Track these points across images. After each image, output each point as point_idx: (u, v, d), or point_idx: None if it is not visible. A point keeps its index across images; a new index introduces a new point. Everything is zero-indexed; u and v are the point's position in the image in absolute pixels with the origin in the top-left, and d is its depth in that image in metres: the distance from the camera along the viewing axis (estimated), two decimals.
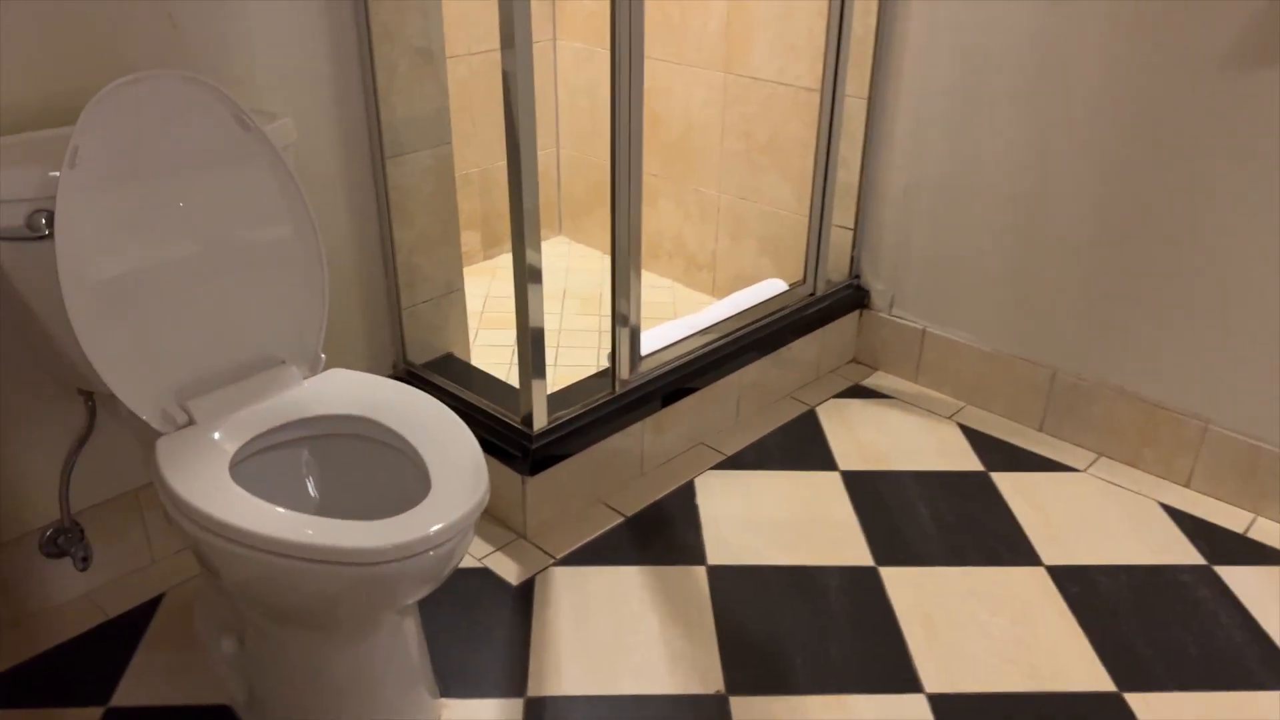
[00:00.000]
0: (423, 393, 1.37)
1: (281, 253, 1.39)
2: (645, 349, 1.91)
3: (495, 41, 2.63)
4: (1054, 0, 1.83)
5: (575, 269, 2.89)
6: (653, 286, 2.78)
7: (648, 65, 2.61)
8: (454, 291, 2.00)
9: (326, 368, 1.45)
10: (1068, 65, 1.86)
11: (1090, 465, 2.01)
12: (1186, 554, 1.76)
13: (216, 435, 1.26)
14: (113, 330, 1.23)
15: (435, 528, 1.11)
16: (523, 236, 1.58)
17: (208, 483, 1.17)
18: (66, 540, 1.51)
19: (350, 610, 1.18)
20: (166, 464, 1.20)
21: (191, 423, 1.28)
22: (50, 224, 1.18)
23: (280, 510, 1.13)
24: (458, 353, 2.05)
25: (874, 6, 2.08)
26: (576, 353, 2.42)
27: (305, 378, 1.40)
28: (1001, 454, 2.04)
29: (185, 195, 1.28)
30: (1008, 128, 1.97)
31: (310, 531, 1.10)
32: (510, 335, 2.48)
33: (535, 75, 2.83)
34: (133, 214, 1.23)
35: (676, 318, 2.57)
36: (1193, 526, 1.83)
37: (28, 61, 1.32)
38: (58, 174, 1.19)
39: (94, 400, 1.46)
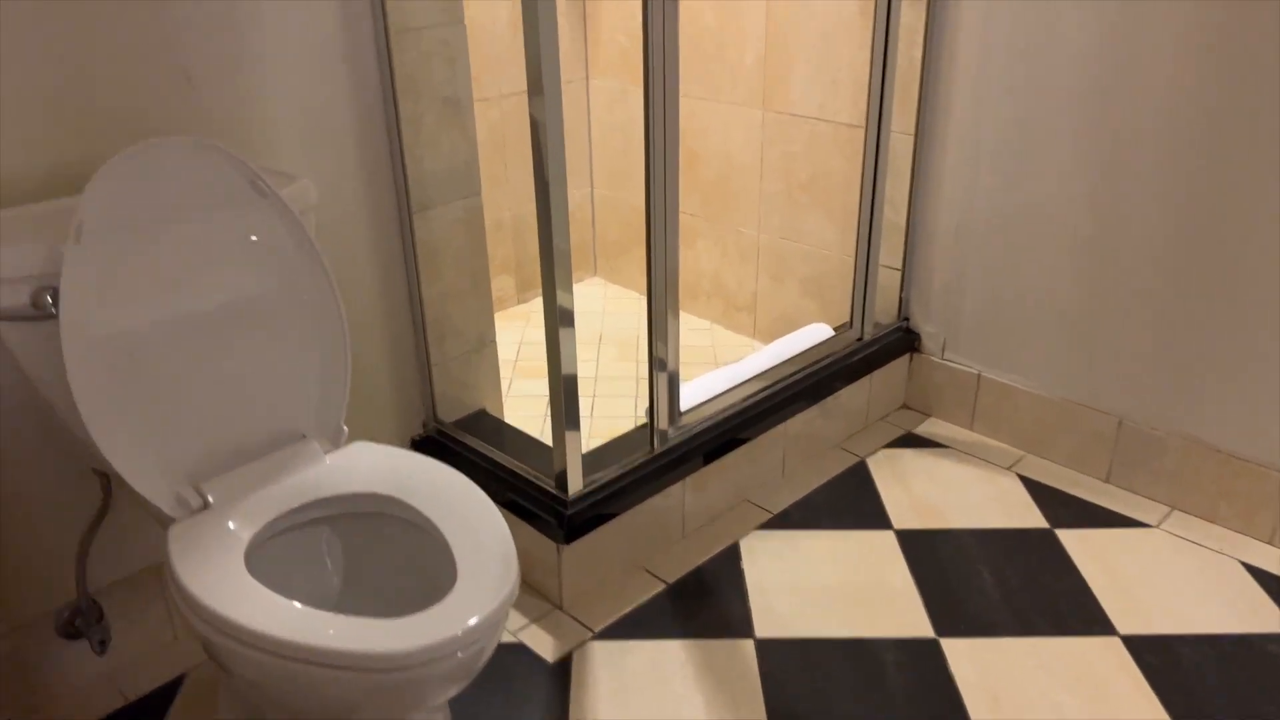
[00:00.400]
0: (450, 469, 1.29)
1: (300, 322, 1.32)
2: (685, 402, 1.82)
3: (525, 83, 2.57)
4: (1119, 27, 1.73)
5: (611, 311, 2.81)
6: (692, 329, 2.69)
7: (683, 102, 2.53)
8: (486, 345, 1.93)
9: (351, 436, 1.38)
10: (1134, 98, 1.75)
11: (1163, 520, 1.88)
12: (1276, 621, 1.62)
13: (232, 523, 1.19)
14: (122, 413, 1.16)
15: (464, 627, 1.03)
16: (554, 283, 1.51)
17: (221, 576, 1.10)
18: (84, 622, 1.44)
19: (374, 713, 1.09)
20: (178, 555, 1.13)
21: (207, 506, 1.21)
22: (55, 302, 1.12)
23: (298, 607, 1.05)
24: (490, 408, 1.98)
25: (919, 39, 1.98)
26: (614, 402, 2.33)
27: (327, 452, 1.33)
28: (1067, 508, 1.92)
29: (198, 266, 1.21)
30: (1067, 164, 1.87)
31: (331, 633, 1.02)
32: (546, 384, 2.40)
33: (567, 114, 2.77)
34: (142, 288, 1.17)
35: (717, 361, 2.48)
36: (1279, 588, 1.69)
37: (35, 128, 1.27)
38: (62, 250, 1.12)
39: (109, 478, 1.39)
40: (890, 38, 1.94)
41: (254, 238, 1.26)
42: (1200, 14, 1.62)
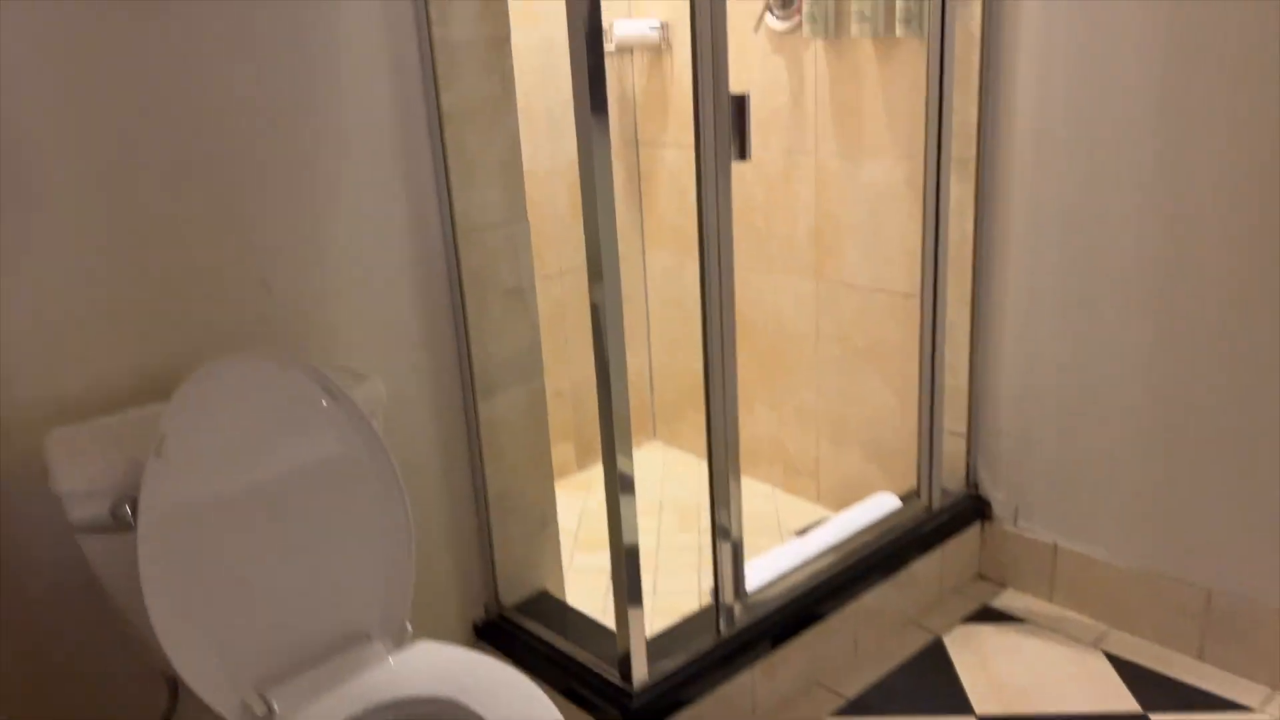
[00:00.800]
0: (513, 670, 1.27)
1: (367, 522, 1.33)
2: (752, 581, 1.78)
3: (585, 258, 2.66)
4: (1176, 178, 1.74)
5: (671, 476, 2.80)
6: (754, 494, 2.66)
7: (737, 273, 2.59)
8: (547, 524, 1.92)
9: (414, 618, 1.37)
10: (1199, 255, 1.74)
11: (1266, 702, 1.76)
12: None
13: None
14: (192, 622, 1.17)
15: None
16: (614, 451, 1.51)
17: None
18: None
19: None
20: None
21: (271, 714, 1.20)
22: (135, 513, 1.15)
23: None
24: (552, 587, 1.95)
25: (970, 211, 2.02)
26: (677, 576, 2.29)
27: (390, 653, 1.32)
28: (1159, 690, 1.81)
29: (270, 472, 1.24)
30: (1134, 325, 1.85)
31: None
32: (607, 557, 2.37)
33: (624, 285, 2.85)
34: (217, 497, 1.20)
35: (780, 528, 2.44)
36: None
37: (125, 337, 1.34)
38: (144, 462, 1.16)
39: (176, 682, 1.40)
40: (941, 211, 1.98)
41: (325, 442, 1.29)
42: (1255, 198, 1.63)
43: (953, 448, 2.18)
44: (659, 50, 2.61)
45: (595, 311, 1.49)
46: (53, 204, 1.25)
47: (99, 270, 1.30)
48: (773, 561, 1.88)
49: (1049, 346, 1.98)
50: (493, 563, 1.84)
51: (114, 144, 1.28)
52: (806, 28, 2.16)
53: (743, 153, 1.55)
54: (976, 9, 1.88)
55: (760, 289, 2.56)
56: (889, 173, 2.19)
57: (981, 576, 2.22)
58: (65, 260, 1.27)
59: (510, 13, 1.68)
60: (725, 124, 1.54)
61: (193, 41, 1.32)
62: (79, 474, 1.16)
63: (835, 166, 2.30)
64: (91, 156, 1.27)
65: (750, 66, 2.39)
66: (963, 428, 2.17)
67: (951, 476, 2.20)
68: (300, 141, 1.46)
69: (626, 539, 1.55)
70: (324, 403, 1.29)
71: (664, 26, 2.56)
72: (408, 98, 1.57)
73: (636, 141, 2.78)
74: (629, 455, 1.53)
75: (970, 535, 2.17)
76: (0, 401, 1.25)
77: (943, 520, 2.10)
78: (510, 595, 1.88)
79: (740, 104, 1.53)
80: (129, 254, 1.32)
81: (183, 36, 1.32)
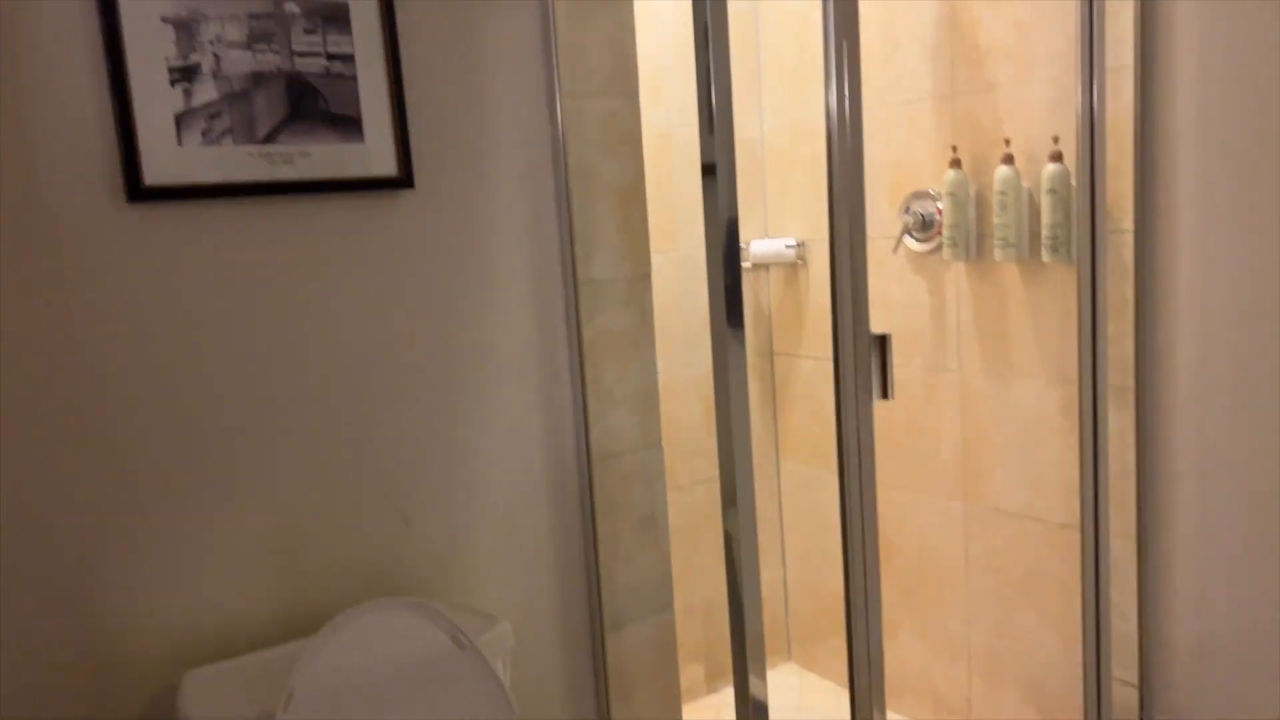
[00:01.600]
0: None
1: None
2: None
3: (717, 470, 2.63)
4: None
5: (808, 704, 2.63)
6: None
7: (879, 491, 2.49)
8: None
9: None
10: None
11: None
12: None
13: None
14: None
15: None
16: (746, 673, 1.42)
17: None
18: None
19: None
20: None
21: None
22: None
23: None
24: None
25: (1131, 442, 1.89)
26: None
27: None
28: None
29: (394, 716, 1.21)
30: None
31: None
32: None
33: (758, 497, 2.78)
34: None
35: None
36: None
37: (263, 575, 1.36)
38: (274, 713, 1.15)
39: None
40: (1099, 441, 1.87)
41: (452, 693, 1.25)
42: None
43: (1123, 698, 1.97)
44: (795, 265, 2.64)
45: (729, 539, 1.44)
46: (204, 449, 1.31)
47: (245, 507, 1.34)
48: None
49: (1225, 592, 1.80)
50: None
51: (266, 381, 1.35)
52: (947, 251, 2.14)
53: (885, 392, 1.51)
54: (1129, 238, 1.83)
55: (903, 507, 2.45)
56: (1040, 396, 2.10)
57: None
58: (210, 501, 1.32)
59: (650, 230, 1.72)
60: (866, 363, 1.51)
61: (355, 288, 1.40)
62: None
63: (981, 386, 2.22)
64: (245, 399, 1.33)
65: (890, 282, 2.38)
66: (1134, 677, 1.96)
67: None
68: (448, 373, 1.50)
69: None
70: (452, 651, 1.26)
71: (800, 245, 2.59)
72: (551, 331, 1.61)
73: (771, 352, 2.78)
74: (762, 679, 1.45)
75: None
76: (139, 638, 1.27)
77: None
78: None
79: (882, 343, 1.50)
80: (272, 492, 1.36)
81: (348, 286, 1.39)
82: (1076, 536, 1.98)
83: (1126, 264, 1.85)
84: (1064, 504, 2.07)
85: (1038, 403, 2.10)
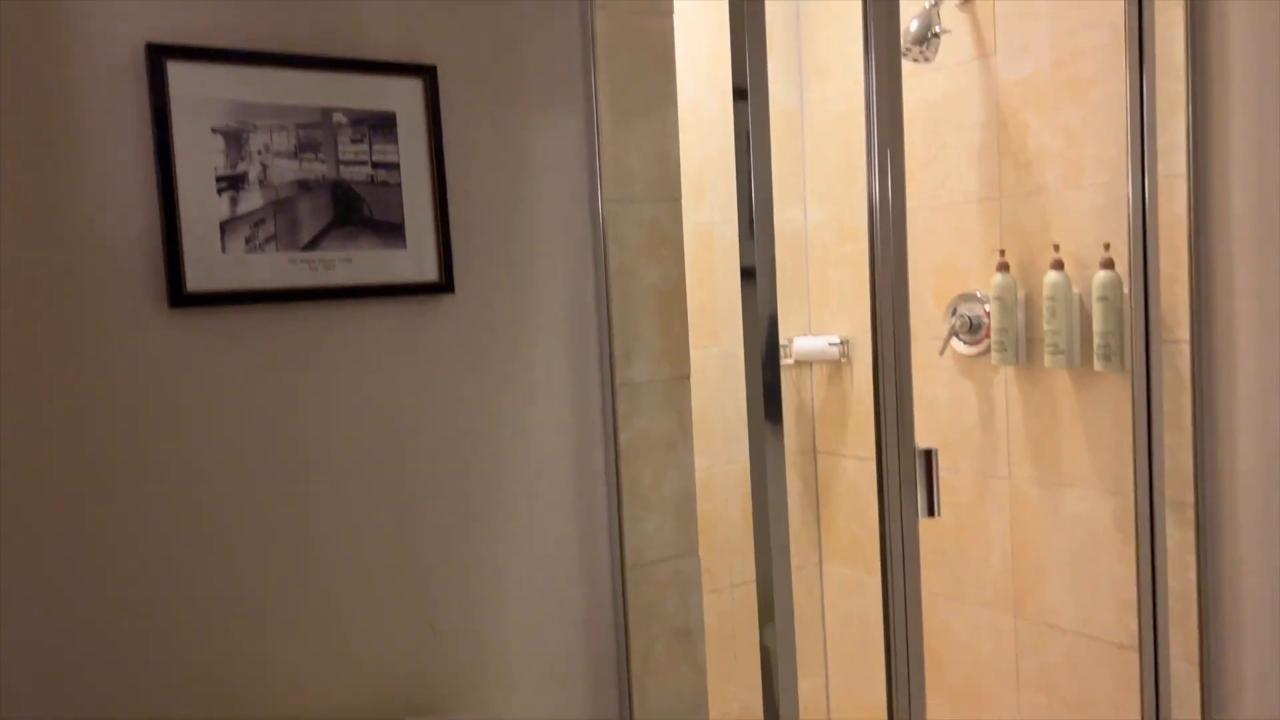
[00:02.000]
0: None
1: None
2: None
3: (754, 572, 2.56)
4: None
5: None
6: None
7: (924, 598, 2.40)
8: None
9: None
10: None
11: None
12: None
13: None
14: None
15: None
16: None
17: None
18: None
19: None
20: None
21: None
22: None
23: None
24: None
25: (1191, 560, 1.81)
26: None
27: None
28: None
29: None
30: None
31: None
32: None
33: (798, 600, 2.70)
34: None
35: None
36: None
37: (292, 682, 1.32)
38: None
39: None
40: (1157, 559, 1.79)
41: None
42: None
43: None
44: (839, 363, 2.60)
45: (765, 654, 1.39)
46: (233, 552, 1.29)
47: (268, 614, 1.31)
48: None
49: None
50: None
51: (299, 486, 1.33)
52: (995, 355, 2.10)
53: (931, 510, 1.46)
54: (1184, 348, 1.77)
55: (948, 617, 2.36)
56: (1094, 507, 2.02)
57: None
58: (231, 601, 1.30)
59: (690, 327, 1.70)
60: (911, 475, 1.46)
61: (393, 394, 1.39)
62: None
63: (1032, 495, 2.14)
64: (278, 505, 1.32)
65: (937, 385, 2.33)
66: None
67: None
68: (481, 478, 1.48)
69: None
70: None
71: (844, 343, 2.56)
72: (588, 434, 1.58)
73: (814, 450, 2.72)
74: None
75: None
76: None
77: None
78: None
79: (929, 458, 1.45)
80: (302, 600, 1.33)
81: (386, 391, 1.39)
82: (1134, 657, 1.88)
83: (1182, 374, 1.79)
84: (1119, 622, 1.97)
85: (1091, 515, 2.02)
